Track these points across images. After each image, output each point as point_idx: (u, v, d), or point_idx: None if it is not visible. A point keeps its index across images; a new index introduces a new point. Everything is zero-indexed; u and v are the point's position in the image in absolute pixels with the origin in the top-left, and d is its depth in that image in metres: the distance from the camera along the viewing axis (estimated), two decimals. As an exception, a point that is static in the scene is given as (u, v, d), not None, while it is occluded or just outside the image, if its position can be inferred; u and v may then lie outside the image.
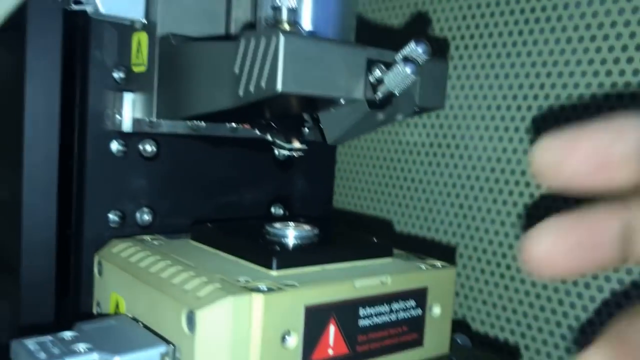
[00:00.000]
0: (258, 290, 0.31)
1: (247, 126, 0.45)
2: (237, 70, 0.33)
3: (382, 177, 0.62)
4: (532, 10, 0.50)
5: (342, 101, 0.35)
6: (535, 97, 0.50)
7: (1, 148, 0.47)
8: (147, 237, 0.42)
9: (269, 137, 0.42)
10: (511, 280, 0.51)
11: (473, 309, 0.54)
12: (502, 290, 0.52)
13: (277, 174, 0.52)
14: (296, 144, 0.41)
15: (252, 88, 0.33)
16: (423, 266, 0.40)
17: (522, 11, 0.51)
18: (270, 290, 0.32)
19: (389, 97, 0.35)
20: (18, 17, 0.41)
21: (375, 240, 0.41)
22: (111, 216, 0.44)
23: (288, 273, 0.35)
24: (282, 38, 0.31)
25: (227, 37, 0.41)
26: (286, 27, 0.33)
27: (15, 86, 0.42)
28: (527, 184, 0.51)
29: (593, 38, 0.46)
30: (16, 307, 0.42)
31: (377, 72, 0.35)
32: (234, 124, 0.47)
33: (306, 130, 0.42)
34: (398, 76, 0.33)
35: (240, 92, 0.33)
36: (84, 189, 0.43)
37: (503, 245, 0.52)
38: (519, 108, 0.52)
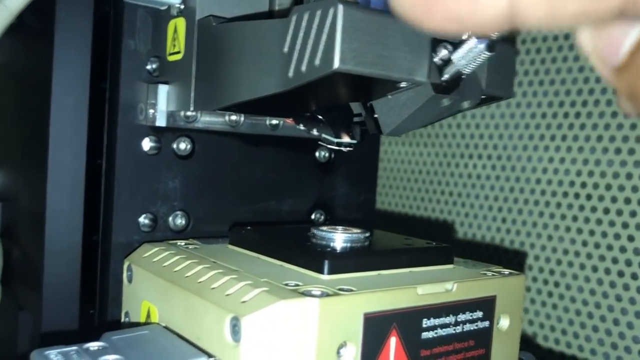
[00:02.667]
0: (311, 294, 0.27)
1: (290, 121, 0.41)
2: (287, 49, 0.30)
3: (429, 183, 0.58)
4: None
5: (403, 84, 0.31)
6: (584, 104, 0.46)
7: (25, 146, 0.44)
8: (181, 242, 0.39)
9: (315, 132, 0.38)
10: (579, 291, 0.47)
11: (535, 323, 0.50)
12: (567, 302, 0.47)
13: (318, 177, 0.48)
14: (346, 139, 0.37)
15: (304, 68, 0.29)
16: (490, 273, 0.35)
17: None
18: (325, 294, 0.27)
19: (456, 80, 0.31)
20: (44, 4, 0.38)
21: (435, 244, 0.37)
22: (142, 220, 0.40)
23: (341, 278, 0.31)
24: (340, 8, 0.27)
25: (270, 16, 0.38)
26: (343, -2, 0.29)
27: (42, 78, 0.39)
28: (589, 197, 0.47)
29: None
30: (38, 316, 0.39)
31: (444, 52, 0.31)
32: (275, 120, 0.43)
33: (356, 123, 0.38)
34: (470, 53, 0.29)
35: (291, 73, 0.30)
36: (113, 190, 0.40)
37: (569, 253, 0.48)
38: (577, 115, 0.48)
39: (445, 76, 0.31)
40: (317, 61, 0.28)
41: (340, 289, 0.28)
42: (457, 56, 0.30)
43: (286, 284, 0.29)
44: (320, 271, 0.31)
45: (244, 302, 0.27)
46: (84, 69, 0.39)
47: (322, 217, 0.48)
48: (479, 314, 0.33)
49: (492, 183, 0.52)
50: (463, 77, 0.32)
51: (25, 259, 0.43)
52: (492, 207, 0.52)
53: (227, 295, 0.28)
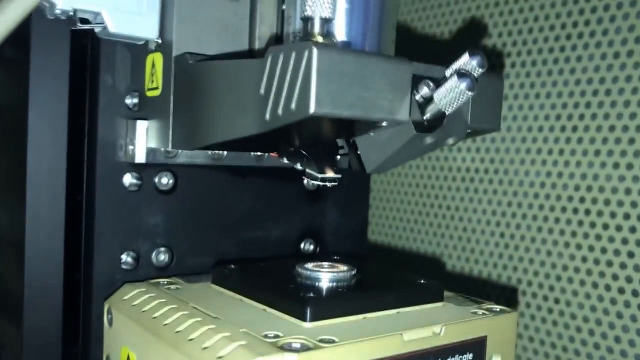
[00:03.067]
0: (291, 348, 0.26)
1: (274, 155, 0.40)
2: (263, 91, 0.29)
3: (422, 205, 0.57)
4: (575, 24, 0.46)
5: (385, 124, 0.30)
6: (594, 117, 0.45)
7: (4, 180, 0.43)
8: (164, 281, 0.38)
9: (299, 167, 0.37)
10: (579, 307, 0.46)
11: (535, 340, 0.49)
12: (568, 318, 0.46)
13: (307, 206, 0.47)
14: (330, 174, 0.36)
15: (280, 111, 0.28)
16: (480, 312, 0.34)
17: (564, 26, 0.46)
18: (304, 348, 0.27)
19: (439, 118, 0.30)
20: (20, 38, 0.37)
21: (423, 282, 0.36)
22: (124, 257, 0.39)
23: (324, 325, 0.30)
24: (315, 51, 0.26)
25: (251, 55, 0.37)
26: (319, 39, 0.28)
27: (18, 114, 0.38)
28: (587, 212, 0.46)
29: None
30: (19, 356, 0.38)
31: (425, 90, 0.30)
32: (258, 153, 0.42)
33: (340, 157, 0.37)
34: (451, 93, 0.28)
35: (267, 116, 0.29)
36: (93, 227, 0.39)
37: (563, 279, 0.47)
38: (574, 129, 0.47)
39: (427, 115, 0.30)
40: (293, 105, 0.27)
41: (321, 340, 0.27)
42: (438, 95, 0.29)
43: (265, 335, 0.28)
44: (303, 318, 0.30)
45: (220, 357, 0.26)
46: (61, 103, 0.38)
47: (312, 247, 0.47)
48: (469, 356, 0.32)
49: (489, 197, 0.51)
50: (446, 114, 0.31)
51: (6, 296, 0.42)
52: (489, 222, 0.51)
53: (204, 348, 0.27)
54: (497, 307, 0.36)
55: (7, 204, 0.42)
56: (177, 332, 0.30)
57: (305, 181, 0.47)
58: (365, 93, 0.28)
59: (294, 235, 0.46)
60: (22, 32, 0.37)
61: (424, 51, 0.57)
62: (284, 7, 0.37)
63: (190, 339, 0.29)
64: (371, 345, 0.28)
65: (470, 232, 0.53)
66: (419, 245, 0.57)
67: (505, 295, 0.51)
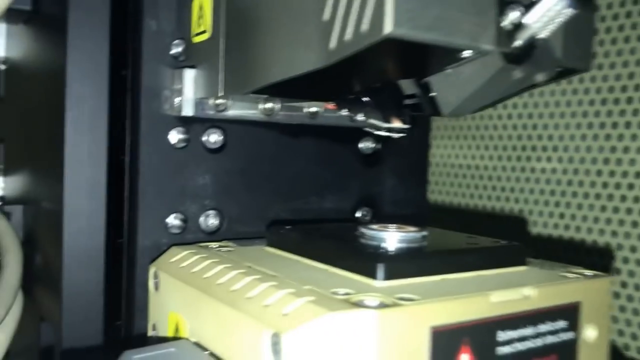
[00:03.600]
0: (366, 305, 0.23)
1: (332, 106, 0.36)
2: (327, 15, 0.25)
3: (489, 159, 0.53)
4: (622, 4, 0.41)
5: (467, 54, 0.26)
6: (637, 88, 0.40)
7: (42, 143, 0.40)
8: (214, 244, 0.34)
9: (361, 117, 0.34)
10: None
11: (626, 334, 0.44)
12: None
13: (363, 170, 0.43)
14: (397, 123, 0.32)
15: (348, 36, 0.24)
16: (571, 275, 0.30)
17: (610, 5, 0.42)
18: (383, 305, 0.23)
19: (530, 47, 0.26)
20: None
21: (504, 243, 0.32)
22: (170, 221, 0.36)
23: (399, 284, 0.26)
24: (392, -40, 0.23)
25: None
26: (394, -50, 0.24)
27: (55, 68, 0.36)
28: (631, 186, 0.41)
29: None
30: (58, 329, 0.35)
31: (515, 14, 0.26)
32: (314, 107, 0.39)
33: (406, 106, 0.34)
34: (548, 12, 0.24)
35: (333, 44, 0.25)
36: (137, 188, 0.36)
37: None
38: (616, 101, 0.42)
39: (517, 42, 0.26)
40: (365, 26, 0.24)
41: (400, 298, 0.24)
42: (532, 17, 0.25)
43: (334, 292, 0.24)
44: (374, 276, 0.26)
45: (285, 314, 0.23)
46: (101, 55, 0.35)
47: (369, 215, 0.43)
48: (562, 323, 0.28)
49: (558, 177, 0.47)
50: (536, 44, 0.27)
51: (46, 266, 0.40)
52: (570, 204, 0.47)
53: (266, 306, 0.24)
54: (589, 272, 0.31)
55: (44, 167, 0.40)
56: (233, 290, 0.26)
57: (361, 144, 0.43)
58: (446, 14, 0.24)
59: (350, 201, 0.43)
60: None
61: None
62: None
63: (249, 297, 0.25)
64: (456, 305, 0.25)
65: (538, 215, 0.48)
66: (487, 203, 0.53)
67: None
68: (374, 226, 0.32)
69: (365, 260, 0.27)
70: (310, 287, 0.25)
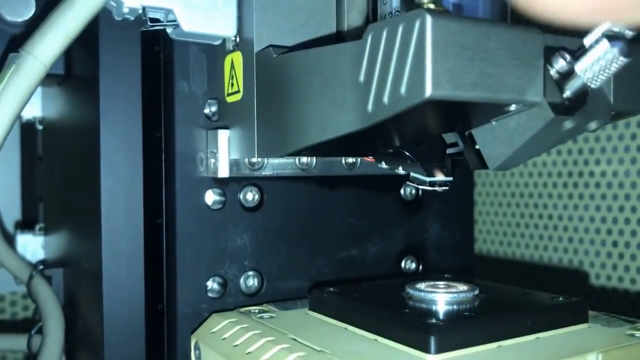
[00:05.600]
0: (420, 389, 0.21)
1: (370, 159, 0.35)
2: (363, 77, 0.24)
3: (525, 207, 0.50)
4: None
5: (513, 107, 0.25)
6: None
7: (79, 206, 0.40)
8: (255, 309, 0.33)
9: (401, 171, 0.32)
10: None
11: None
12: None
13: (406, 218, 0.42)
14: (440, 176, 0.31)
15: (386, 99, 0.23)
16: (638, 333, 0.28)
17: None
18: (437, 388, 0.21)
19: (581, 96, 0.25)
20: (88, 48, 0.35)
21: (562, 299, 0.30)
22: (210, 284, 0.35)
23: (453, 357, 0.25)
24: (429, 19, 0.21)
25: (339, 40, 0.32)
26: (430, 6, 0.23)
27: (90, 131, 0.35)
28: None
29: None
30: (101, 401, 0.34)
31: (562, 62, 0.24)
32: (351, 158, 0.37)
33: (450, 156, 0.32)
34: (599, 61, 0.23)
35: (370, 107, 0.24)
36: (175, 251, 0.35)
37: None
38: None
39: (567, 93, 0.24)
40: (403, 89, 0.22)
41: (455, 378, 0.22)
42: (582, 66, 0.23)
43: (385, 373, 0.23)
44: (427, 350, 0.25)
45: (334, 402, 0.22)
46: (134, 117, 0.35)
47: (414, 264, 0.42)
48: (634, 391, 0.26)
49: (614, 215, 0.44)
50: (588, 92, 0.25)
51: (87, 332, 0.39)
52: (617, 244, 0.44)
53: (312, 390, 0.23)
54: (657, 328, 0.29)
55: (82, 232, 0.39)
56: (278, 370, 0.25)
57: (402, 191, 0.42)
58: (489, 69, 0.23)
59: (394, 251, 0.41)
60: (90, 40, 0.34)
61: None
62: (375, -11, 0.32)
63: (294, 379, 0.24)
64: (517, 381, 0.23)
65: (594, 255, 0.46)
66: (532, 252, 0.51)
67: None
68: (422, 285, 0.30)
69: (415, 331, 0.25)
70: (359, 366, 0.23)
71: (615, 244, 0.44)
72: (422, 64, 0.22)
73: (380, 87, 0.23)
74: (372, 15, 0.33)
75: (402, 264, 0.42)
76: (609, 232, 0.44)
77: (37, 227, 0.53)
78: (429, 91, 0.21)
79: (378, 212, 0.41)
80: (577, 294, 0.46)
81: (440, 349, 0.24)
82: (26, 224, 0.55)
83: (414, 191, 0.42)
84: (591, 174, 0.45)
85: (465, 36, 0.22)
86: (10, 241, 0.52)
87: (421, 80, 0.22)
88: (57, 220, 0.49)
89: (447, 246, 0.43)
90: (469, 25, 0.22)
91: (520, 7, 0.15)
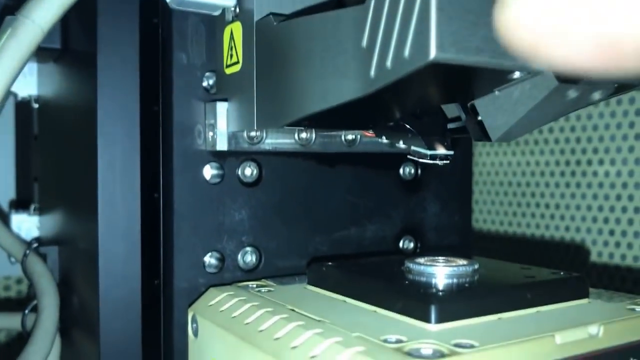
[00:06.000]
0: (421, 355, 0.21)
1: (370, 134, 0.35)
2: (365, 42, 0.24)
3: (527, 195, 0.50)
4: None
5: (517, 75, 0.24)
6: None
7: (75, 182, 0.40)
8: (253, 283, 0.33)
9: (402, 145, 0.32)
10: None
11: None
12: None
13: (404, 197, 0.41)
14: (441, 150, 0.31)
15: (389, 63, 0.23)
16: (638, 307, 0.28)
17: None
18: (438, 354, 0.21)
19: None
20: (85, 20, 0.34)
21: (563, 274, 0.30)
22: (207, 259, 0.35)
23: (454, 327, 0.24)
24: (434, -19, 0.21)
25: (340, 5, 0.32)
26: (435, -30, 0.23)
27: (86, 105, 0.35)
28: None
29: None
30: (96, 378, 0.34)
31: (567, 29, 0.24)
32: (351, 135, 0.37)
33: (451, 131, 0.32)
34: (606, 26, 0.22)
35: (372, 72, 0.24)
36: (173, 226, 0.34)
37: None
38: None
39: (572, 60, 0.24)
40: (407, 52, 0.22)
41: (457, 345, 0.22)
42: (588, 32, 0.23)
43: (385, 340, 0.22)
44: (427, 319, 0.24)
45: (333, 368, 0.21)
46: (132, 90, 0.34)
47: (412, 244, 0.41)
48: (635, 363, 0.26)
49: (617, 192, 0.44)
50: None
51: (82, 309, 0.39)
52: (619, 220, 0.44)
53: (313, 358, 0.22)
54: (658, 303, 0.29)
55: (78, 209, 0.39)
56: (277, 339, 0.25)
57: (401, 170, 0.41)
58: (494, 34, 0.23)
59: (392, 231, 0.41)
60: (87, 12, 0.34)
61: None
62: (377, -41, 0.32)
63: (294, 347, 0.23)
64: (519, 350, 0.22)
65: (596, 233, 0.46)
66: (533, 230, 0.50)
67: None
68: (421, 260, 0.30)
69: (415, 301, 0.25)
70: (359, 334, 0.23)
71: (618, 221, 0.44)
72: (426, 26, 0.21)
73: (384, 51, 0.23)
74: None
75: (400, 244, 0.41)
76: (612, 209, 0.44)
77: (32, 206, 0.53)
78: (433, 53, 0.21)
79: (377, 190, 0.40)
80: (580, 271, 0.46)
81: (440, 319, 0.24)
82: (21, 204, 0.55)
83: (412, 170, 0.41)
84: (595, 150, 0.45)
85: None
86: (5, 220, 0.52)
87: (425, 42, 0.21)
88: (53, 200, 0.49)
89: (445, 226, 0.43)
90: (473, -12, 0.22)
91: (527, 58, 0.15)
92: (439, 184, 0.43)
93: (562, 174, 0.47)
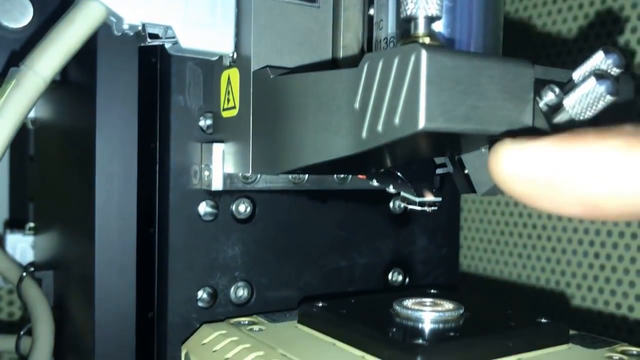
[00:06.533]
0: (406, 412, 0.22)
1: (362, 176, 0.36)
2: (358, 105, 0.25)
3: (514, 225, 0.51)
4: None
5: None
6: None
7: (73, 210, 0.40)
8: (245, 320, 0.34)
9: (392, 190, 0.33)
10: None
11: None
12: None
13: (393, 231, 0.43)
14: (429, 197, 0.32)
15: (380, 127, 0.24)
16: (616, 356, 0.29)
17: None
18: (422, 411, 0.22)
19: (568, 128, 0.25)
20: (85, 58, 0.35)
21: (544, 321, 0.31)
22: (200, 294, 0.36)
23: (438, 377, 0.25)
24: (424, 54, 0.22)
25: (334, 66, 0.33)
26: (425, 40, 0.24)
27: (85, 138, 0.36)
28: None
29: None
30: (90, 411, 0.35)
31: (550, 96, 0.25)
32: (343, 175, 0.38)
33: (439, 175, 0.33)
34: (587, 98, 0.24)
35: (364, 134, 0.25)
36: (167, 262, 0.35)
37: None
38: None
39: (555, 125, 0.25)
40: (397, 120, 0.23)
41: (440, 400, 0.23)
42: (570, 101, 0.24)
43: (372, 393, 0.23)
44: (412, 370, 0.25)
45: (322, 422, 0.22)
46: (130, 127, 0.35)
47: (401, 277, 0.43)
48: (610, 412, 0.27)
49: (602, 239, 0.45)
50: (575, 123, 0.26)
51: (77, 334, 0.40)
52: (603, 267, 0.45)
53: (301, 409, 0.23)
54: (634, 349, 0.30)
55: (75, 237, 0.40)
56: (267, 386, 0.26)
57: (391, 204, 0.42)
58: (481, 102, 0.24)
59: (381, 264, 0.42)
60: (88, 51, 0.34)
61: (535, 51, 0.51)
62: (371, 11, 0.33)
63: (283, 397, 0.24)
64: (499, 404, 0.24)
65: (580, 278, 0.47)
66: (520, 272, 0.52)
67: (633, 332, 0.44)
68: (409, 303, 0.31)
69: (402, 351, 0.26)
70: (347, 385, 0.24)
71: (602, 267, 0.45)
72: (416, 97, 0.22)
73: (375, 115, 0.24)
74: (368, 37, 0.33)
75: (390, 276, 0.42)
76: (596, 255, 0.45)
77: (27, 226, 0.54)
78: (422, 124, 0.22)
79: (366, 225, 0.41)
80: (563, 315, 0.48)
81: (425, 369, 0.25)
82: (15, 224, 0.55)
83: (402, 204, 0.43)
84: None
85: (458, 71, 0.23)
86: (0, 241, 0.52)
87: (415, 112, 0.22)
88: (48, 222, 0.50)
89: (433, 260, 0.44)
90: (462, 60, 0.23)
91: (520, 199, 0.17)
92: (427, 218, 0.44)
93: (549, 217, 0.48)
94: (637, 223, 0.43)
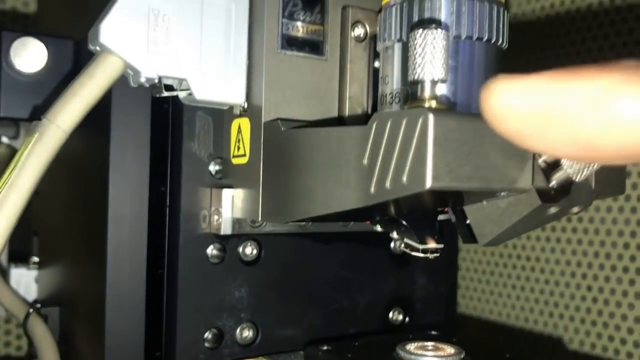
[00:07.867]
0: None
1: (366, 222, 0.37)
2: (366, 161, 0.26)
3: (512, 267, 0.53)
4: None
5: (504, 193, 0.27)
6: None
7: (82, 248, 0.41)
8: (251, 363, 0.35)
9: (395, 236, 0.34)
10: None
11: None
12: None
13: (394, 270, 0.44)
14: (432, 244, 0.33)
15: (388, 184, 0.25)
16: (612, 403, 0.30)
17: None
18: None
19: (567, 186, 0.27)
20: (100, 105, 0.36)
21: (543, 367, 0.32)
22: (207, 335, 0.37)
23: None
24: (431, 118, 0.23)
25: (340, 119, 0.34)
26: (431, 103, 0.25)
27: (98, 184, 0.37)
28: None
29: None
30: None
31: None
32: (348, 219, 0.39)
33: (439, 223, 0.34)
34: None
35: (372, 189, 0.26)
36: (176, 303, 0.36)
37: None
38: None
39: (553, 183, 0.27)
40: (405, 178, 0.24)
41: None
42: (568, 161, 0.26)
43: None
44: (417, 417, 0.26)
45: None
46: (142, 171, 0.36)
47: (401, 316, 0.44)
48: None
49: (588, 283, 0.46)
50: (572, 182, 0.27)
51: (85, 377, 0.40)
52: (589, 310, 0.46)
53: None
54: (630, 395, 0.31)
55: (84, 277, 0.41)
56: None
57: (392, 244, 0.44)
58: (484, 162, 0.25)
59: (382, 303, 0.43)
60: (103, 96, 0.36)
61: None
62: (376, 64, 0.34)
63: None
64: None
65: (578, 322, 0.48)
66: (518, 313, 0.53)
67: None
68: (411, 347, 0.32)
69: (407, 398, 0.27)
70: None
71: (588, 310, 0.46)
72: (423, 158, 0.24)
73: (383, 172, 0.25)
74: (373, 89, 0.35)
75: (390, 314, 0.43)
76: (583, 298, 0.47)
77: (31, 260, 0.54)
78: (429, 183, 0.23)
79: (369, 265, 0.42)
80: (554, 356, 0.48)
81: (430, 417, 0.26)
82: (19, 257, 0.56)
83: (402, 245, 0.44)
84: (579, 242, 0.47)
85: (462, 133, 0.24)
86: (4, 274, 0.53)
87: (422, 172, 0.24)
88: (54, 257, 0.50)
89: (432, 298, 0.45)
90: (466, 123, 0.24)
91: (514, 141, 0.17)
92: (426, 259, 0.45)
93: (547, 260, 0.49)
94: (635, 271, 0.44)
